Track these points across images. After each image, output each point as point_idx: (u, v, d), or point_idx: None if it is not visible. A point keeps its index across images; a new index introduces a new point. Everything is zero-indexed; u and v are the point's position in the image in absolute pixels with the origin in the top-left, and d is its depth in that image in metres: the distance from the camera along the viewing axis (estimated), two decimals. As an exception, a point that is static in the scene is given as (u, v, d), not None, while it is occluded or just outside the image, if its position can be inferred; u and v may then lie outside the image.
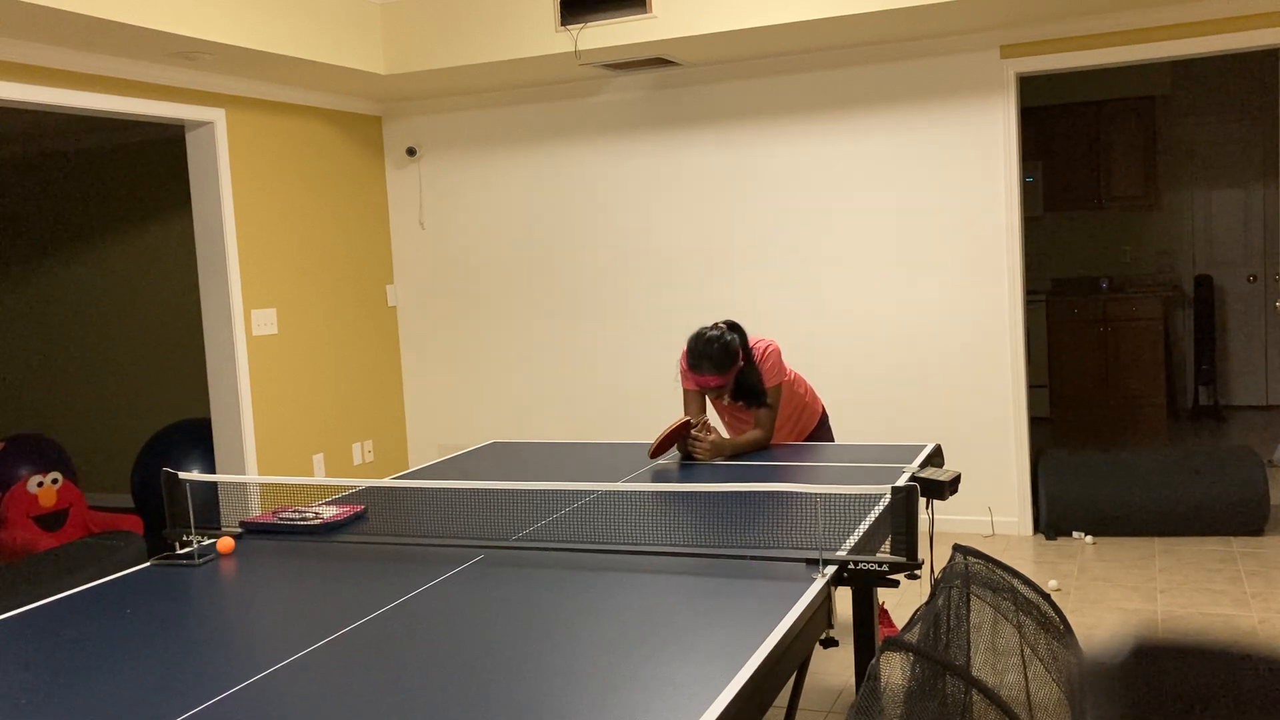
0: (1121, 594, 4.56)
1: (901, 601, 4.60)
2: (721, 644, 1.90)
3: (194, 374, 7.29)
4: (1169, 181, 8.50)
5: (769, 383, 3.74)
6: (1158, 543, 5.23)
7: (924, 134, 5.51)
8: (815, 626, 2.14)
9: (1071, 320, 8.20)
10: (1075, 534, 5.39)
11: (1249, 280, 8.39)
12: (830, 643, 2.20)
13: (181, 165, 7.20)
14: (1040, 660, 2.39)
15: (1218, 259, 8.45)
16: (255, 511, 5.74)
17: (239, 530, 2.91)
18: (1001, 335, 5.46)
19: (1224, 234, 8.41)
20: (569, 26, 5.25)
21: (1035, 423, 8.36)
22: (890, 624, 4.08)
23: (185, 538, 2.85)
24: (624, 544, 2.54)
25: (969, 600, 2.27)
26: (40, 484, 5.78)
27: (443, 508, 3.05)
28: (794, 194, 5.78)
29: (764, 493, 2.97)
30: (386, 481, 3.04)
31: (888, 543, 2.35)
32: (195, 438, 6.35)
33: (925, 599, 2.38)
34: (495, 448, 4.04)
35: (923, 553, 4.93)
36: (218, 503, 5.63)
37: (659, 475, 3.35)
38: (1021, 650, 2.35)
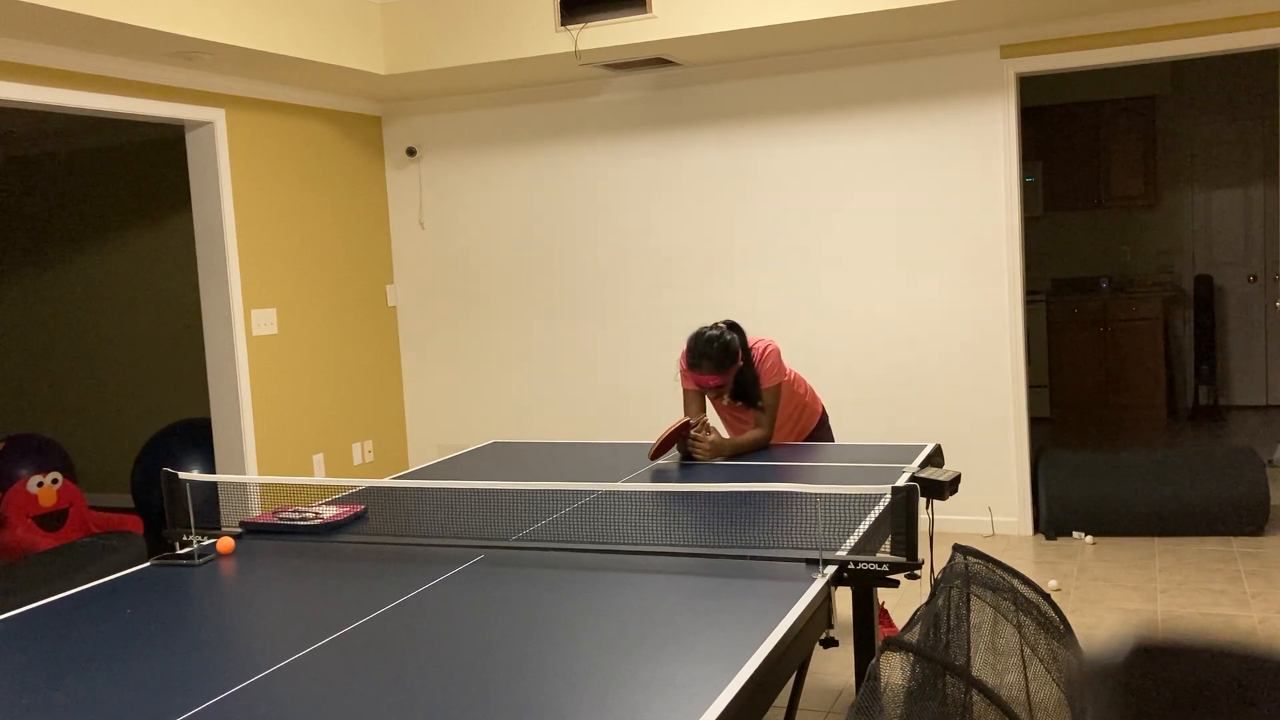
0: (1121, 594, 4.56)
1: (901, 601, 4.60)
2: (721, 644, 1.90)
3: (194, 374, 7.29)
4: (1169, 181, 8.50)
5: (769, 383, 3.74)
6: (1158, 543, 5.23)
7: (924, 134, 5.51)
8: (815, 626, 2.14)
9: (1071, 320, 8.20)
10: (1075, 534, 5.39)
11: (1249, 280, 8.39)
12: (830, 643, 2.20)
13: (181, 165, 7.20)
14: (1040, 660, 2.39)
15: (1218, 259, 8.45)
16: (255, 511, 5.74)
17: (239, 530, 2.91)
18: (1001, 335, 5.46)
19: (1224, 234, 8.41)
20: (569, 26, 5.25)
21: (1035, 423, 8.36)
22: (890, 624, 4.08)
23: (185, 538, 2.85)
24: (624, 544, 2.54)
25: (969, 600, 2.27)
26: (40, 484, 5.78)
27: (443, 508, 3.05)
28: (794, 194, 5.78)
29: (764, 493, 2.97)
30: (386, 481, 3.04)
31: (888, 543, 2.35)
32: (195, 438, 6.35)
33: (925, 599, 2.38)
34: (495, 448, 4.04)
35: (923, 553, 4.93)
36: (218, 503, 5.63)
37: (659, 475, 3.35)
38: (1021, 650, 2.35)
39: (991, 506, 5.57)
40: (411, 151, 6.53)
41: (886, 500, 2.78)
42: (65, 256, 7.57)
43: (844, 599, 4.17)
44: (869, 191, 5.64)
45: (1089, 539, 5.33)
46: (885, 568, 2.25)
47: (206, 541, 2.85)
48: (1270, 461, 6.77)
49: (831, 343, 5.77)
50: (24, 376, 7.78)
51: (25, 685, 1.89)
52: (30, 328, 7.73)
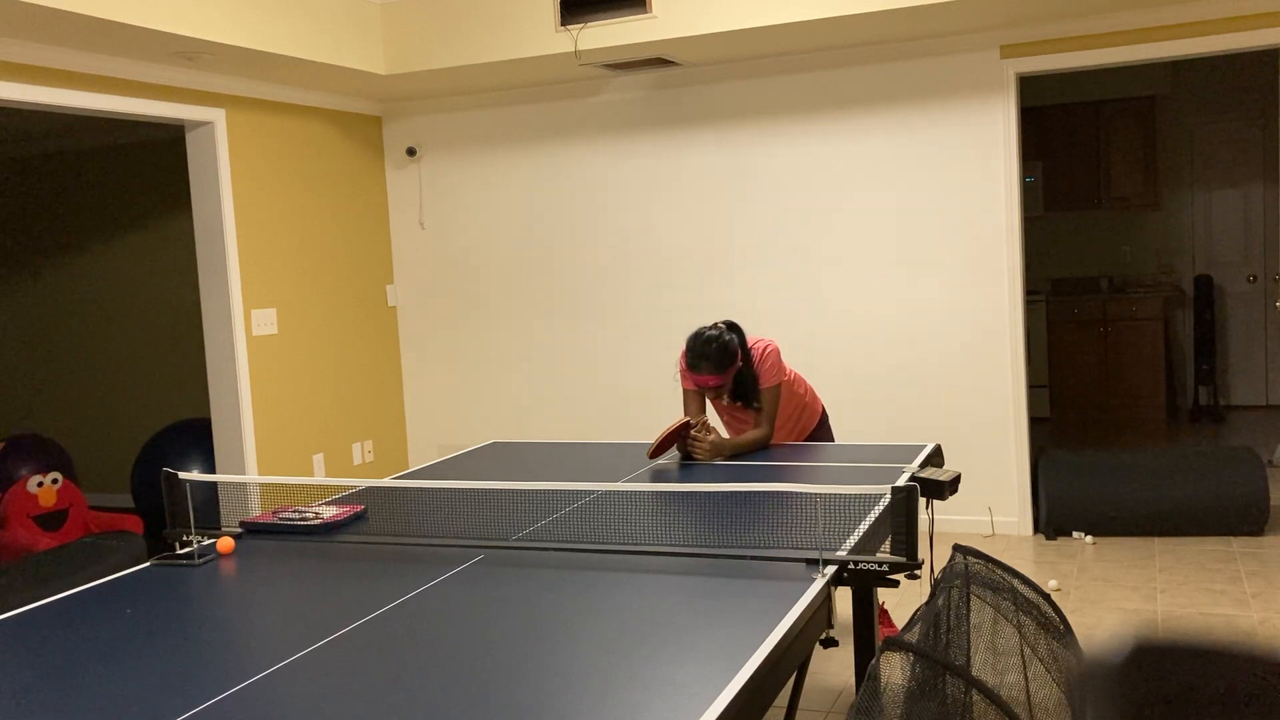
0: (1121, 594, 4.56)
1: (901, 601, 4.60)
2: (721, 644, 1.90)
3: (194, 374, 7.29)
4: (1169, 181, 8.50)
5: (768, 383, 3.74)
6: (1158, 543, 5.23)
7: (924, 134, 5.51)
8: (815, 626, 2.14)
9: (1071, 320, 8.20)
10: (1075, 534, 5.39)
11: (1249, 280, 8.39)
12: (830, 643, 2.20)
13: (181, 165, 7.20)
14: (1040, 660, 2.39)
15: (1218, 259, 8.45)
16: (255, 511, 5.74)
17: (239, 530, 2.91)
18: (1001, 335, 5.46)
19: (1224, 234, 8.41)
20: (569, 26, 5.25)
21: (1035, 423, 8.36)
22: (890, 624, 4.08)
23: (185, 538, 2.85)
24: (624, 544, 2.54)
25: (969, 600, 2.27)
26: (40, 484, 5.78)
27: (443, 508, 3.05)
28: (794, 194, 5.78)
29: (764, 493, 2.97)
30: (386, 481, 3.04)
31: (888, 543, 2.35)
32: (195, 438, 6.35)
33: (925, 599, 2.38)
34: (495, 448, 4.04)
35: (923, 553, 4.93)
36: (218, 503, 5.63)
37: (659, 475, 3.35)
38: (1021, 650, 2.35)
39: (991, 506, 5.57)
40: (411, 151, 6.53)
41: (886, 500, 2.78)
42: (65, 256, 7.57)
43: (844, 599, 4.17)
44: (869, 191, 5.64)
45: (1089, 539, 5.33)
46: (885, 568, 2.25)
47: (206, 541, 2.85)
48: (1270, 461, 6.78)
49: (831, 343, 5.77)
50: (24, 377, 7.78)
51: (25, 685, 1.89)
52: (30, 327, 7.73)
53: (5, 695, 1.85)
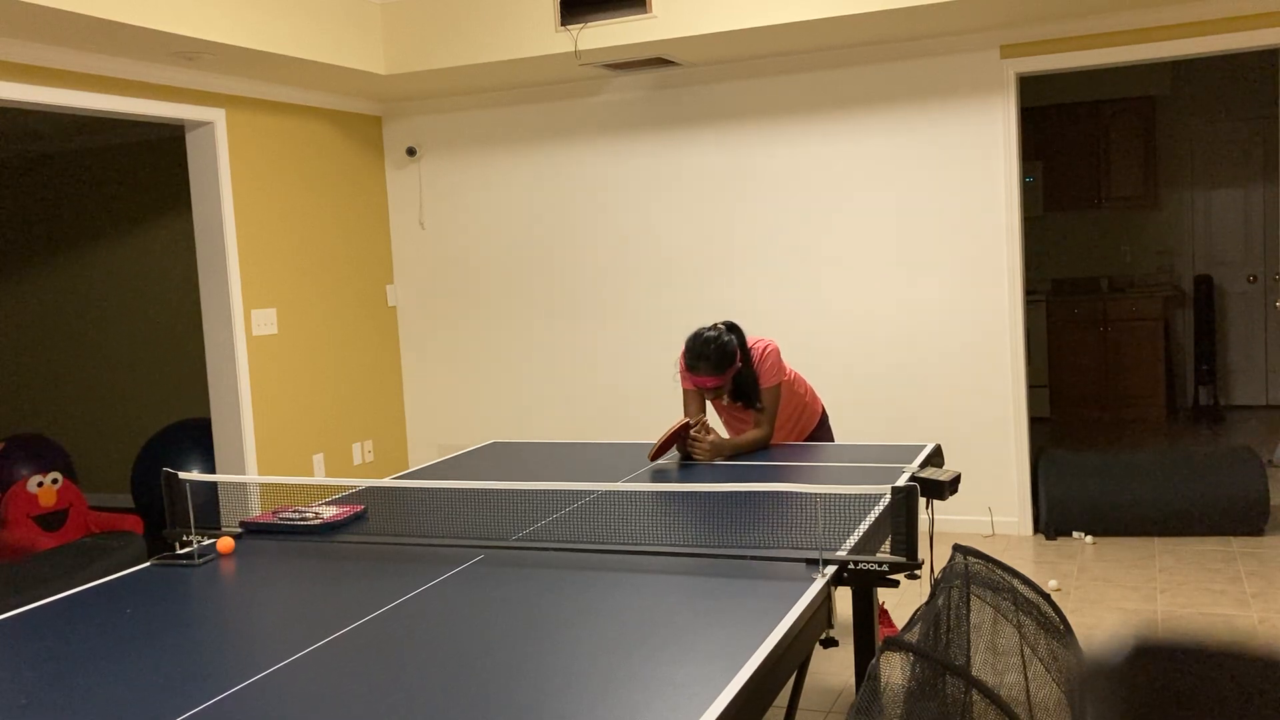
0: (1121, 594, 4.56)
1: (901, 601, 4.60)
2: (721, 644, 1.90)
3: (194, 374, 7.29)
4: (1169, 181, 8.50)
5: (768, 383, 3.74)
6: (1158, 543, 5.23)
7: (924, 134, 5.51)
8: (815, 626, 2.14)
9: (1071, 320, 8.20)
10: (1075, 534, 5.39)
11: (1249, 280, 8.39)
12: (830, 643, 2.20)
13: (181, 165, 7.20)
14: (1040, 660, 2.39)
15: (1218, 259, 8.45)
16: (255, 511, 5.74)
17: (239, 530, 2.91)
18: (1001, 335, 5.46)
19: (1224, 234, 8.41)
20: (569, 26, 5.25)
21: (1035, 423, 8.36)
22: (890, 624, 4.08)
23: (185, 538, 2.85)
24: (624, 544, 2.54)
25: (969, 600, 2.27)
26: (40, 484, 5.78)
27: (443, 508, 3.05)
28: (794, 194, 5.78)
29: (764, 493, 2.97)
30: (386, 481, 3.04)
31: (888, 543, 2.35)
32: (195, 438, 6.35)
33: (925, 599, 2.38)
34: (495, 448, 4.04)
35: (923, 553, 4.93)
36: (218, 503, 5.63)
37: (659, 475, 3.35)
38: (1021, 650, 2.35)
39: (991, 506, 5.57)
40: (411, 151, 6.53)
41: (886, 500, 2.78)
42: (65, 256, 7.57)
43: (844, 599, 4.17)
44: (869, 191, 5.64)
45: (1089, 539, 5.33)
46: (885, 568, 2.25)
47: (206, 541, 2.85)
48: (1270, 461, 6.77)
49: (831, 343, 5.77)
50: (24, 376, 7.78)
51: (25, 685, 1.89)
52: (30, 327, 7.73)
53: (5, 695, 1.85)
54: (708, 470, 3.40)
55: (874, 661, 1.86)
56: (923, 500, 3.54)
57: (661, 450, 3.52)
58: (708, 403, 5.12)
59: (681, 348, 6.01)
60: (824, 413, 4.06)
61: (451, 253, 6.55)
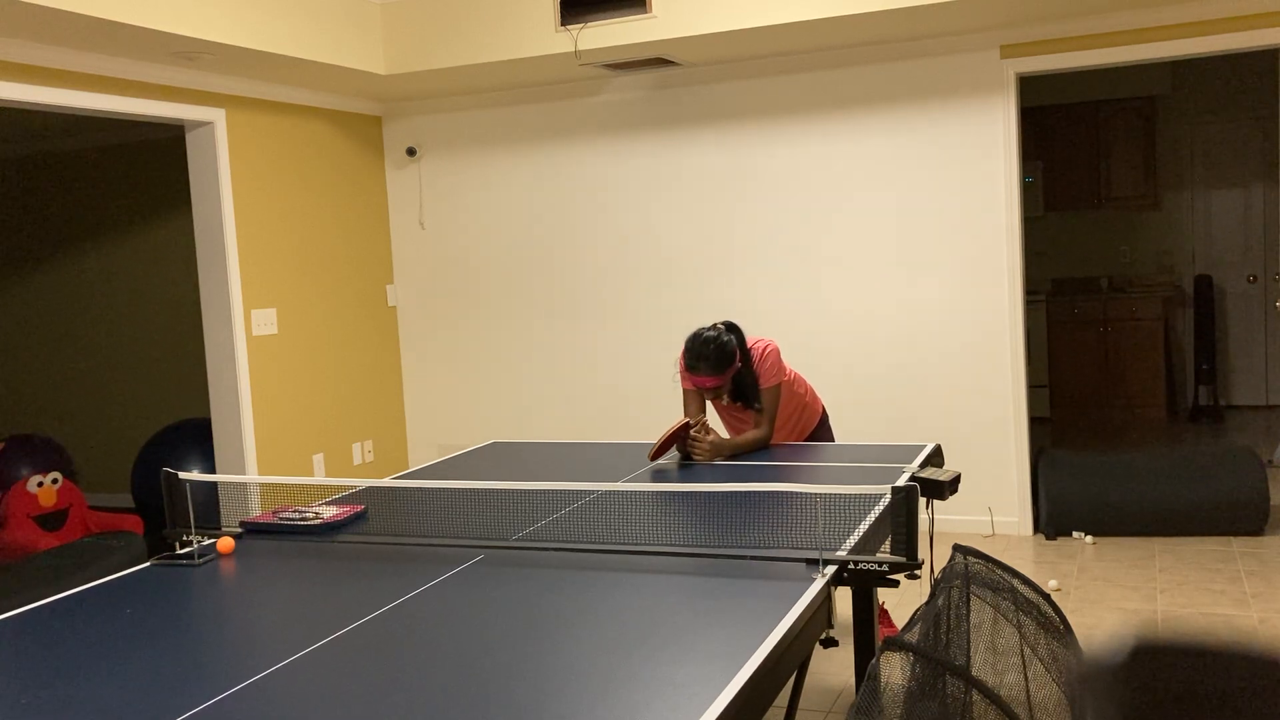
0: (1121, 594, 4.56)
1: (901, 601, 4.60)
2: (721, 644, 1.90)
3: (194, 374, 7.29)
4: (1169, 181, 8.50)
5: (768, 383, 3.74)
6: (1158, 543, 5.23)
7: (924, 134, 5.51)
8: (815, 626, 2.14)
9: (1071, 320, 8.20)
10: (1075, 534, 5.39)
11: (1249, 280, 8.39)
12: (830, 643, 2.20)
13: (181, 165, 7.20)
14: (1040, 660, 2.39)
15: (1218, 259, 8.45)
16: (255, 511, 5.74)
17: (239, 530, 2.91)
18: (1001, 335, 5.46)
19: (1224, 234, 8.41)
20: (569, 26, 5.25)
21: (1035, 423, 8.36)
22: (890, 624, 4.08)
23: (185, 538, 2.85)
24: (624, 544, 2.54)
25: (969, 600, 2.27)
26: (40, 484, 5.78)
27: (443, 508, 3.05)
28: (794, 194, 5.78)
29: (764, 493, 2.97)
30: (386, 481, 3.04)
31: (888, 543, 2.35)
32: (195, 438, 6.35)
33: (925, 599, 2.38)
34: (495, 448, 4.04)
35: (923, 553, 4.93)
36: (218, 503, 5.63)
37: (659, 475, 3.35)
38: (1021, 650, 2.35)
39: (991, 506, 5.57)
40: (411, 151, 6.53)
41: (886, 500, 2.78)
42: (65, 256, 7.58)
43: (844, 599, 4.17)
44: (869, 191, 5.64)
45: (1089, 539, 5.33)
46: (885, 568, 2.25)
47: (206, 541, 2.85)
48: (1270, 461, 6.78)
49: (831, 343, 5.77)
50: (24, 376, 7.78)
51: (25, 685, 1.89)
52: (30, 327, 7.73)
53: (5, 695, 1.85)
54: (708, 470, 3.39)
55: (874, 661, 1.86)
56: (923, 500, 3.54)
57: (661, 450, 3.52)
58: (708, 403, 5.12)
59: (681, 348, 6.02)
60: (824, 413, 4.06)
61: (451, 253, 6.55)
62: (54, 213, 7.58)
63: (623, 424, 6.25)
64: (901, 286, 5.62)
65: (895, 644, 1.90)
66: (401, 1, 5.59)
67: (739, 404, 3.78)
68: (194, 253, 7.23)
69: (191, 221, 7.18)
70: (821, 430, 4.02)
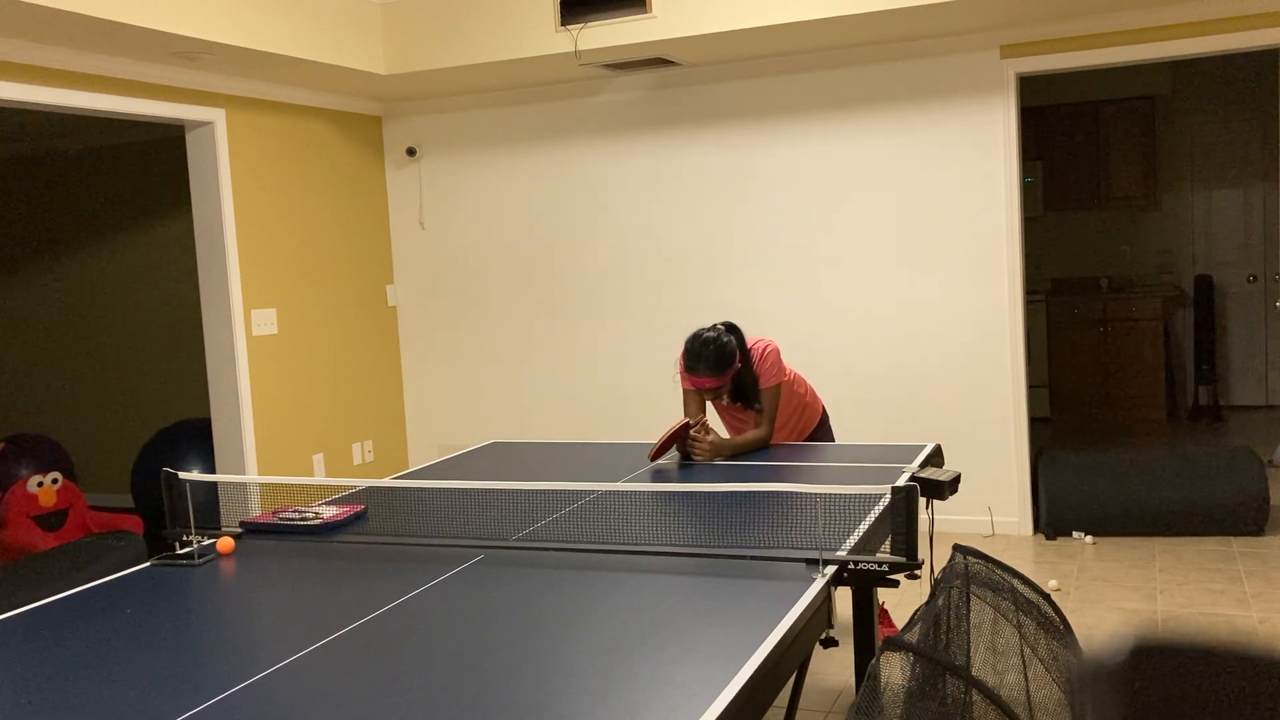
0: (1121, 594, 4.56)
1: (901, 601, 4.60)
2: (721, 644, 1.90)
3: (194, 374, 7.29)
4: (1169, 181, 8.50)
5: (768, 383, 3.74)
6: (1158, 543, 5.23)
7: (924, 134, 5.51)
8: (815, 626, 2.14)
9: (1071, 320, 8.20)
10: (1075, 534, 5.39)
11: (1249, 280, 8.39)
12: (830, 643, 2.20)
13: (181, 165, 7.20)
14: (1040, 660, 2.39)
15: (1218, 259, 8.45)
16: (255, 511, 5.74)
17: (239, 530, 2.91)
18: (1001, 335, 5.46)
19: (1224, 234, 8.41)
20: (569, 26, 5.25)
21: (1035, 423, 8.36)
22: (890, 624, 4.08)
23: (185, 538, 2.85)
24: (624, 544, 2.54)
25: (969, 600, 2.27)
26: (40, 484, 5.78)
27: (443, 508, 3.05)
28: (794, 194, 5.78)
29: (764, 493, 2.97)
30: (386, 481, 3.04)
31: (888, 543, 2.35)
32: (195, 438, 6.35)
33: (925, 599, 2.38)
34: (495, 448, 4.04)
35: (923, 553, 4.93)
36: (218, 503, 5.63)
37: (659, 475, 3.35)
38: (1021, 650, 2.35)
39: (991, 506, 5.57)
40: (411, 151, 6.53)
41: (886, 500, 2.78)
42: (65, 256, 7.57)
43: (844, 599, 4.17)
44: (869, 191, 5.64)
45: (1089, 539, 5.33)
46: (885, 568, 2.25)
47: (206, 541, 2.85)
48: (1270, 461, 6.77)
49: (831, 343, 5.77)
50: (24, 376, 7.78)
51: (25, 685, 1.89)
52: (30, 327, 7.73)
53: (6, 695, 1.85)
54: (708, 470, 3.40)
55: (874, 661, 1.86)
56: (923, 500, 3.54)
57: (661, 450, 3.52)
58: (708, 403, 5.12)
59: (681, 348, 6.02)
60: (824, 413, 4.06)
61: (451, 253, 6.55)
62: (54, 213, 7.58)
63: (623, 424, 6.25)
64: (901, 286, 5.62)
65: (895, 644, 1.90)
66: (401, 1, 5.59)
67: (739, 404, 3.78)
68: (194, 253, 7.23)
69: (191, 221, 7.18)
70: (821, 430, 4.03)
